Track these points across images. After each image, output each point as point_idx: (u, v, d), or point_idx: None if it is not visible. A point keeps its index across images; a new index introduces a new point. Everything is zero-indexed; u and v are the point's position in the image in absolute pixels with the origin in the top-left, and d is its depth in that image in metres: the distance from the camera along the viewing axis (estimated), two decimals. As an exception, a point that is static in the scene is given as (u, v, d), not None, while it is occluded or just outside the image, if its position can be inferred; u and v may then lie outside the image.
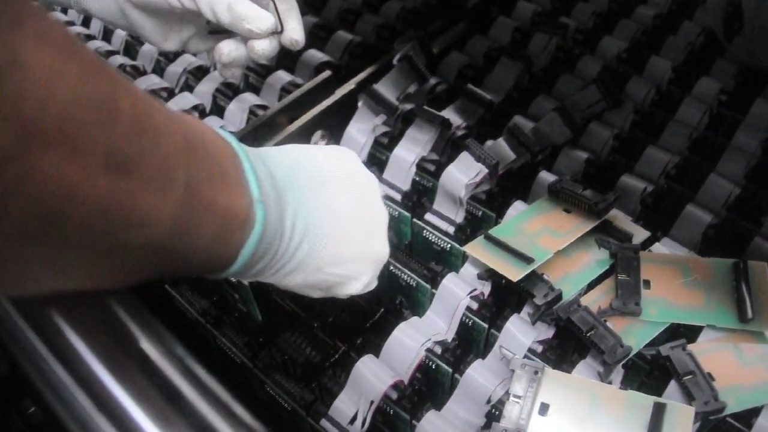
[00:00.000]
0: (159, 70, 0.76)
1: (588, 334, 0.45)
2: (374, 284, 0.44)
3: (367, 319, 0.52)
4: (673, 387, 0.43)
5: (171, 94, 0.69)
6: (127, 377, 0.24)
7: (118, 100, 0.23)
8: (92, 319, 0.26)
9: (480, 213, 0.55)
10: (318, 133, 0.62)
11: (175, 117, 0.28)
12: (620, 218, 0.53)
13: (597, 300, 0.48)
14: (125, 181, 0.23)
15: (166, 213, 0.26)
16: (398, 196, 0.57)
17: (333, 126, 0.62)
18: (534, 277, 0.48)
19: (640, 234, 0.52)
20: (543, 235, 0.51)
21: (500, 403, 0.44)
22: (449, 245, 0.54)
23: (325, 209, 0.38)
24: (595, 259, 0.50)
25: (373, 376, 0.45)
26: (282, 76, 0.69)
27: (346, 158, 0.42)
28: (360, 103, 0.61)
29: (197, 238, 0.29)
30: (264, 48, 0.51)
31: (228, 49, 0.52)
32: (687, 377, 0.43)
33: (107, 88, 0.23)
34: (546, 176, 0.57)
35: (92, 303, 0.28)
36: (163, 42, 0.53)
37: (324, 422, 0.46)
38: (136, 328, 0.27)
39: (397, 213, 0.57)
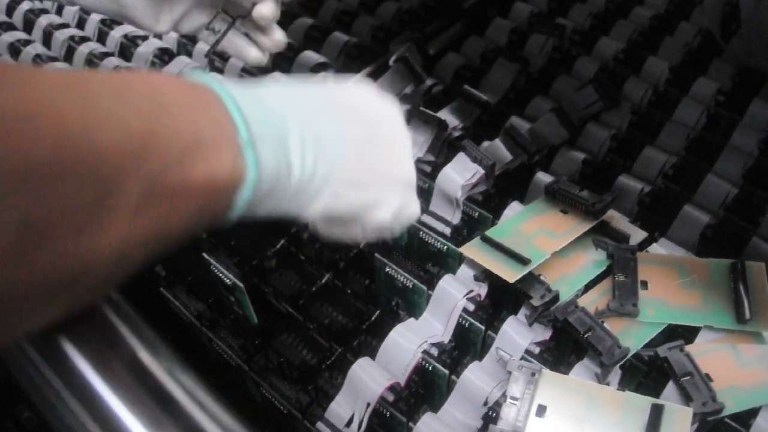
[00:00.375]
0: (154, 72, 0.76)
1: (585, 336, 0.44)
2: (416, 211, 0.41)
3: (363, 321, 0.51)
4: (671, 388, 0.43)
5: (166, 95, 0.69)
6: (118, 381, 0.23)
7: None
8: (84, 323, 0.26)
9: (476, 214, 0.55)
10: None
11: (130, 93, 0.26)
12: (617, 219, 0.53)
13: (594, 301, 0.48)
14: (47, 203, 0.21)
15: (114, 233, 0.24)
16: (394, 198, 0.57)
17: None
18: (531, 279, 0.48)
19: (637, 234, 0.51)
20: (540, 236, 0.50)
21: (497, 405, 0.43)
22: (445, 246, 0.54)
23: (336, 129, 0.35)
24: (592, 260, 0.50)
25: (369, 379, 0.45)
26: (278, 78, 0.69)
27: (361, 87, 0.40)
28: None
29: (173, 221, 0.27)
30: (269, 9, 0.53)
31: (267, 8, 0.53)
32: (685, 378, 0.43)
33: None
34: (543, 177, 0.56)
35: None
36: (155, 24, 0.53)
37: (320, 425, 0.46)
38: (127, 331, 0.27)
39: (393, 214, 0.56)
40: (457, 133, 0.61)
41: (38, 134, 0.21)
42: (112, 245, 0.24)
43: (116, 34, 0.80)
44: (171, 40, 0.79)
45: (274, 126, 0.31)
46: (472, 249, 0.50)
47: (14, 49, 0.79)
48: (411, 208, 0.41)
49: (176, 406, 0.23)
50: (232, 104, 0.30)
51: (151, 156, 0.25)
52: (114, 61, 0.75)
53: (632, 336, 0.45)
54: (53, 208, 0.22)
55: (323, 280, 0.54)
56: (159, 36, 0.78)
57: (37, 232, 0.21)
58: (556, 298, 0.47)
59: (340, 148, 0.35)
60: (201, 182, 0.27)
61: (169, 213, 0.27)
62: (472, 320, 0.48)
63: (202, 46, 0.76)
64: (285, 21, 0.71)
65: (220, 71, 0.72)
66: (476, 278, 0.50)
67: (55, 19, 0.83)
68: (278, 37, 0.58)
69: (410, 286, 0.51)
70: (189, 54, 0.77)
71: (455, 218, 0.55)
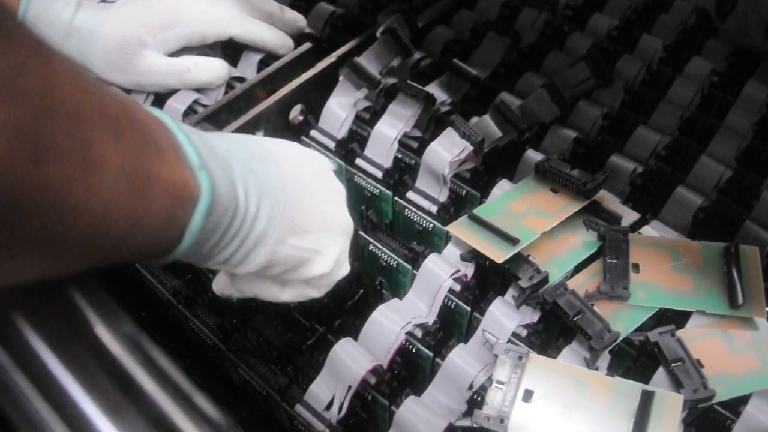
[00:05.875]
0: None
1: (575, 319, 0.43)
2: (346, 268, 0.42)
3: (345, 301, 0.50)
4: (660, 374, 0.42)
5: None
6: (75, 362, 0.22)
7: (26, 77, 0.20)
8: (41, 297, 0.24)
9: (464, 192, 0.54)
10: (297, 108, 0.59)
11: (101, 95, 0.25)
12: (608, 200, 0.51)
13: (584, 283, 0.46)
14: (39, 166, 0.21)
15: (99, 196, 0.23)
16: (379, 174, 0.55)
17: (313, 100, 0.60)
18: (519, 259, 0.46)
19: (629, 216, 0.50)
20: (529, 215, 0.49)
21: (483, 390, 0.42)
22: (431, 225, 0.52)
23: (275, 177, 0.36)
24: (582, 242, 0.49)
25: (351, 360, 0.43)
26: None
27: (290, 143, 0.41)
28: (341, 77, 0.59)
29: (141, 219, 0.27)
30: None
31: None
32: (675, 364, 0.41)
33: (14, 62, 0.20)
34: (533, 155, 0.55)
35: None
36: None
37: (299, 408, 0.44)
38: (87, 306, 0.25)
39: (378, 191, 0.55)
40: (445, 109, 0.59)
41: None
42: (96, 208, 0.24)
43: None
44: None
45: (220, 161, 0.32)
46: (459, 228, 0.49)
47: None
48: (345, 266, 0.42)
49: (140, 391, 0.21)
50: (180, 132, 0.30)
51: (123, 139, 0.25)
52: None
53: (622, 320, 0.44)
54: (48, 130, 0.21)
55: (305, 258, 0.52)
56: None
57: (38, 149, 0.21)
58: (545, 279, 0.45)
59: (281, 192, 0.36)
60: (165, 181, 0.27)
61: (141, 206, 0.26)
62: (458, 301, 0.47)
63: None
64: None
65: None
66: (463, 258, 0.48)
67: None
68: (293, 16, 0.64)
69: (395, 265, 0.49)
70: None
71: (442, 196, 0.53)
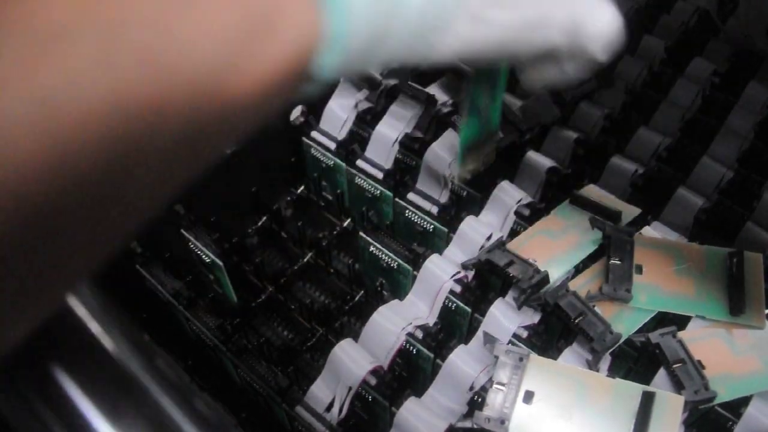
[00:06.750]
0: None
1: (576, 321, 0.43)
2: (605, 19, 0.30)
3: (346, 302, 0.50)
4: (661, 375, 0.42)
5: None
6: (73, 362, 0.22)
7: None
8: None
9: (465, 193, 0.53)
10: (298, 109, 0.59)
11: None
12: (606, 197, 0.51)
13: (585, 284, 0.46)
14: None
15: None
16: (380, 175, 0.55)
17: (313, 101, 0.60)
18: (519, 260, 0.46)
19: (629, 211, 0.50)
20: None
21: (483, 391, 0.42)
22: (432, 226, 0.52)
23: None
24: (582, 241, 0.48)
25: (351, 362, 0.43)
26: None
27: None
28: (342, 78, 0.59)
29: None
30: None
31: None
32: (677, 365, 0.41)
33: None
34: (534, 156, 0.55)
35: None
36: None
37: (299, 409, 0.44)
38: (80, 307, 0.25)
39: (378, 192, 0.55)
40: (446, 110, 0.59)
41: None
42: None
43: None
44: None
45: None
46: None
47: None
48: (595, 17, 0.29)
49: (140, 392, 0.21)
50: None
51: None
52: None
53: (624, 321, 0.44)
54: None
55: (306, 259, 0.52)
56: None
57: None
58: (545, 279, 0.45)
59: None
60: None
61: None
62: (459, 302, 0.46)
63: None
64: None
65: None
66: (464, 266, 0.48)
67: None
68: None
69: (395, 266, 0.49)
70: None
71: (443, 197, 0.53)
